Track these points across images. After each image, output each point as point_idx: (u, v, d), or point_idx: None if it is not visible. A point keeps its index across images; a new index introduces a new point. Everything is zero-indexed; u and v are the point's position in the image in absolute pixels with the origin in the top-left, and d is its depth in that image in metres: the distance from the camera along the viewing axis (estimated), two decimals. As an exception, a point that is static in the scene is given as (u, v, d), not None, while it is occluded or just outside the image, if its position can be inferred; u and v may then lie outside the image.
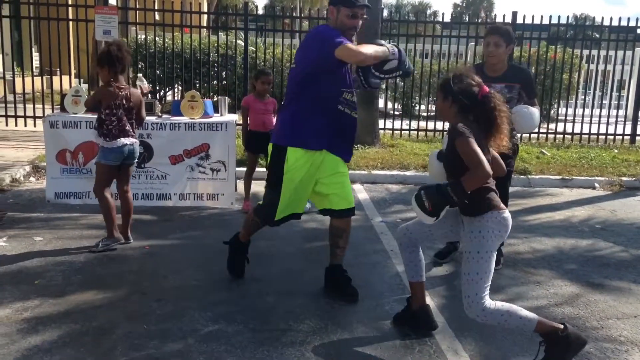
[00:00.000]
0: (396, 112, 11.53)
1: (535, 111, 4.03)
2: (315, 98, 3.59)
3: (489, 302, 2.90)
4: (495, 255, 2.94)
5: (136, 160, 4.72)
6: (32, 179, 6.80)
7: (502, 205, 2.96)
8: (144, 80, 5.48)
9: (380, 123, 9.87)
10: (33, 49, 12.64)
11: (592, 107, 10.99)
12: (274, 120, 5.70)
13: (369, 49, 3.47)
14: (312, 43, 3.61)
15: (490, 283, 2.92)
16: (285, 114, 3.73)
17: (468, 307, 2.92)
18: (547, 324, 2.92)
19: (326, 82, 3.56)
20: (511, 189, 7.34)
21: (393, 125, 10.42)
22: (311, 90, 3.59)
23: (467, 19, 13.43)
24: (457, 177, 2.86)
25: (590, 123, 10.45)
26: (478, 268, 2.89)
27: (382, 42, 3.62)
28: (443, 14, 9.65)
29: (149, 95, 12.13)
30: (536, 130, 10.51)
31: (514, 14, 10.18)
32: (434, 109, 11.23)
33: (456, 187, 2.80)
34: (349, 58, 3.46)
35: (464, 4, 62.20)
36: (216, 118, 5.89)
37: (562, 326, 2.90)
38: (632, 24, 10.23)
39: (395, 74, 3.65)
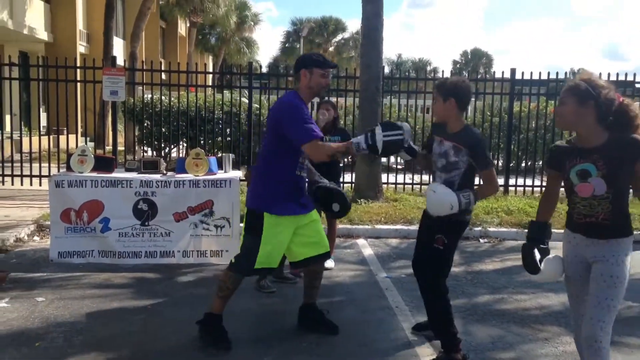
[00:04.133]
0: (399, 166, 11.59)
1: (441, 197, 3.51)
2: (282, 166, 3.78)
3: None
4: None
5: None
6: (36, 238, 6.80)
7: None
8: None
9: (383, 177, 9.92)
10: (41, 109, 12.89)
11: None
12: None
13: (329, 150, 3.68)
14: (284, 118, 3.70)
15: None
16: (260, 179, 3.87)
17: (597, 331, 2.81)
18: None
19: (293, 153, 3.75)
20: (514, 243, 7.37)
21: (396, 179, 10.46)
22: (279, 159, 3.78)
23: (466, 75, 13.65)
24: (616, 193, 2.99)
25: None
26: (619, 295, 2.90)
27: (357, 138, 3.67)
28: (443, 70, 9.88)
29: (154, 153, 12.32)
30: (538, 184, 10.52)
31: (513, 71, 10.37)
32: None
33: None
34: (314, 156, 3.73)
35: (463, 61, 63.51)
36: (220, 175, 5.90)
37: None
38: (630, 78, 10.40)
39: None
